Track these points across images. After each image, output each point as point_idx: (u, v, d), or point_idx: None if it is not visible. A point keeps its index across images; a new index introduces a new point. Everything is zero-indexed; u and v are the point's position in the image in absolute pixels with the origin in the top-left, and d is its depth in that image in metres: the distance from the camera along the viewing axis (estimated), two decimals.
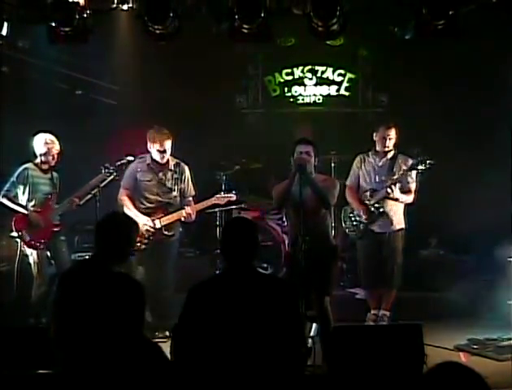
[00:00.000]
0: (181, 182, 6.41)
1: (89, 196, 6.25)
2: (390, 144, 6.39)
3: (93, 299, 3.65)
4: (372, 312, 6.35)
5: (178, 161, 6.45)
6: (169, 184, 6.36)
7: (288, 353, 3.47)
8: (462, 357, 5.51)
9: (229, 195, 6.62)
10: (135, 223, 4.25)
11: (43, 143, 6.48)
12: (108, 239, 3.83)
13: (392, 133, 6.38)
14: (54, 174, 6.65)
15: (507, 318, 5.99)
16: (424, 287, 7.26)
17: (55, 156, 6.54)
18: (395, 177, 6.25)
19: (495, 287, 6.58)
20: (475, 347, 5.78)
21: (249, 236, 3.66)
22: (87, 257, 5.86)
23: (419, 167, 6.16)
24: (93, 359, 3.56)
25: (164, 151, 6.26)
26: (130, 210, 6.19)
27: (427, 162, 6.11)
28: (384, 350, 4.28)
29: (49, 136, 6.50)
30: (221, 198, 6.55)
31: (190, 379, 3.47)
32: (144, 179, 6.34)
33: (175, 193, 6.37)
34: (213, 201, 6.52)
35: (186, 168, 6.47)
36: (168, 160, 6.36)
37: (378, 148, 6.45)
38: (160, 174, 6.34)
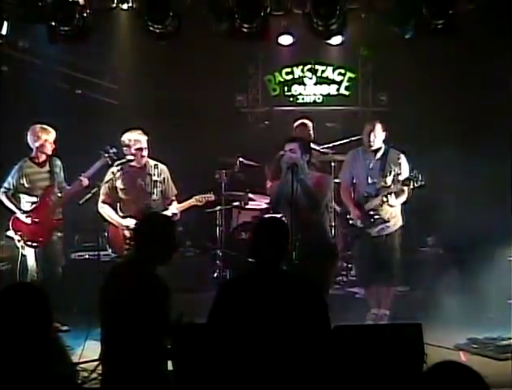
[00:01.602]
0: (161, 184, 6.25)
1: (89, 195, 6.23)
2: (376, 140, 6.31)
3: (128, 301, 3.69)
4: (372, 311, 6.34)
5: (156, 162, 6.29)
6: (148, 189, 6.20)
7: (316, 353, 3.45)
8: (462, 357, 5.51)
9: (207, 195, 6.53)
10: (173, 223, 4.30)
11: (36, 134, 6.41)
12: (147, 240, 3.86)
13: (377, 129, 6.30)
14: (56, 162, 6.55)
15: (507, 317, 5.99)
16: (424, 285, 7.26)
17: (51, 145, 6.47)
18: (389, 187, 6.21)
19: (495, 286, 6.58)
20: (475, 346, 5.77)
21: (282, 236, 3.64)
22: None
23: (410, 185, 6.08)
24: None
25: (141, 149, 6.12)
26: (111, 217, 6.12)
27: (419, 182, 6.03)
28: (384, 349, 4.27)
29: (41, 126, 6.43)
30: (200, 199, 6.48)
31: (220, 373, 3.46)
32: (122, 186, 6.19)
33: (154, 197, 6.19)
34: (191, 202, 6.43)
35: (165, 168, 6.32)
36: (145, 163, 6.23)
37: (365, 145, 6.42)
38: (139, 180, 6.20)
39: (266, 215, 7.27)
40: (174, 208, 6.25)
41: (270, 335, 3.39)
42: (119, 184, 6.19)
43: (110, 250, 6.18)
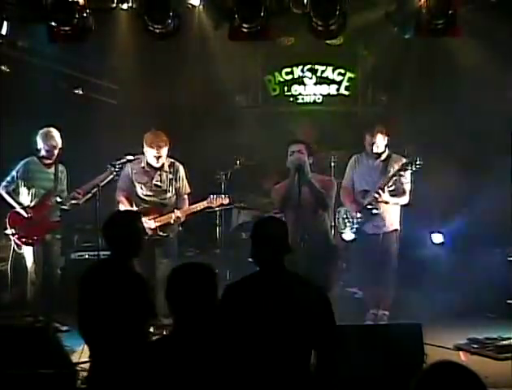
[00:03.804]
0: (176, 181, 6.44)
1: (89, 195, 6.24)
2: (378, 150, 6.39)
3: (108, 297, 3.87)
4: (371, 311, 6.35)
5: (172, 160, 6.46)
6: (164, 186, 6.40)
7: (322, 356, 3.44)
8: (462, 357, 5.50)
9: (221, 197, 6.55)
10: (137, 215, 4.49)
11: (45, 137, 6.52)
12: (116, 237, 4.05)
13: (379, 139, 6.36)
14: (60, 167, 6.65)
15: (507, 317, 6.00)
16: (424, 285, 7.25)
17: (56, 151, 6.57)
18: (386, 179, 6.24)
19: (495, 286, 6.58)
20: (474, 346, 5.77)
21: (281, 235, 3.60)
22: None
23: (409, 168, 6.16)
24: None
25: (160, 157, 6.29)
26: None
27: (417, 162, 6.10)
28: (384, 349, 4.28)
29: (51, 131, 6.54)
30: (213, 201, 6.51)
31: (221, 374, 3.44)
32: (139, 181, 6.37)
33: (169, 194, 6.41)
34: (205, 204, 6.49)
35: (180, 167, 6.49)
36: (163, 163, 6.37)
37: (367, 152, 6.47)
38: (155, 176, 6.38)
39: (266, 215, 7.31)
40: (179, 212, 6.32)
41: (275, 336, 3.38)
42: (135, 177, 6.37)
43: None
